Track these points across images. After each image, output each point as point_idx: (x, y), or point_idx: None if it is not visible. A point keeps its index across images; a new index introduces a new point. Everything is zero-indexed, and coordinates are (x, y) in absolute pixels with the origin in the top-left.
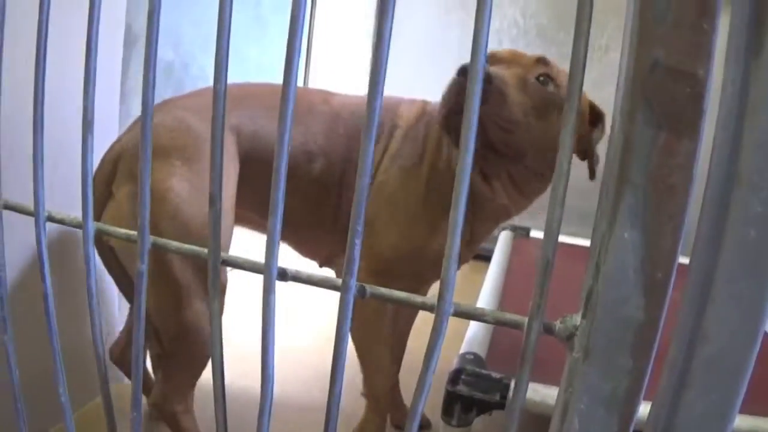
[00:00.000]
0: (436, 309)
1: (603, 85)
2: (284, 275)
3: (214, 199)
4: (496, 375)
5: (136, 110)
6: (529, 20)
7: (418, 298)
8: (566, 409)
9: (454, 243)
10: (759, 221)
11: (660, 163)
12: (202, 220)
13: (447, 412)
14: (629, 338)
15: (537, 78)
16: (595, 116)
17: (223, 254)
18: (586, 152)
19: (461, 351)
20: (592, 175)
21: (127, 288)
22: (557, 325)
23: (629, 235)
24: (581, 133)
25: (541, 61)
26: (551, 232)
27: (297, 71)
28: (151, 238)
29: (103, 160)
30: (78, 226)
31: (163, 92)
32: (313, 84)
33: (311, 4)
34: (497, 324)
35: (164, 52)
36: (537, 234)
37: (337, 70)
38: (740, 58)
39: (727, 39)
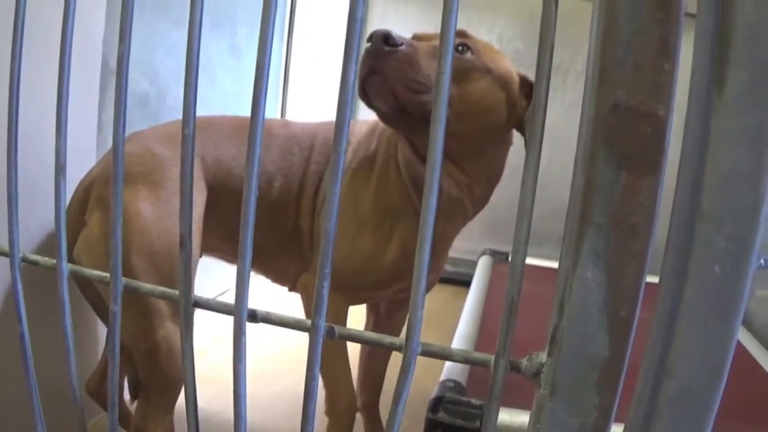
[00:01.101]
0: (404, 349)
1: (578, 108)
2: (254, 317)
3: (185, 241)
4: (476, 402)
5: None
6: (506, 45)
7: (386, 339)
8: None
9: (420, 283)
10: (723, 257)
11: (622, 203)
12: (168, 240)
13: None
14: (594, 375)
15: (455, 48)
16: (529, 88)
17: (194, 296)
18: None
19: (442, 378)
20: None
21: (101, 309)
22: (524, 362)
23: (592, 274)
24: (514, 102)
25: (460, 33)
26: (515, 270)
27: (264, 112)
28: (123, 280)
29: (75, 192)
30: (52, 267)
31: (140, 123)
32: (289, 115)
33: (287, 36)
34: (465, 363)
35: (139, 83)
36: None
37: (315, 101)
38: (702, 95)
39: (689, 76)
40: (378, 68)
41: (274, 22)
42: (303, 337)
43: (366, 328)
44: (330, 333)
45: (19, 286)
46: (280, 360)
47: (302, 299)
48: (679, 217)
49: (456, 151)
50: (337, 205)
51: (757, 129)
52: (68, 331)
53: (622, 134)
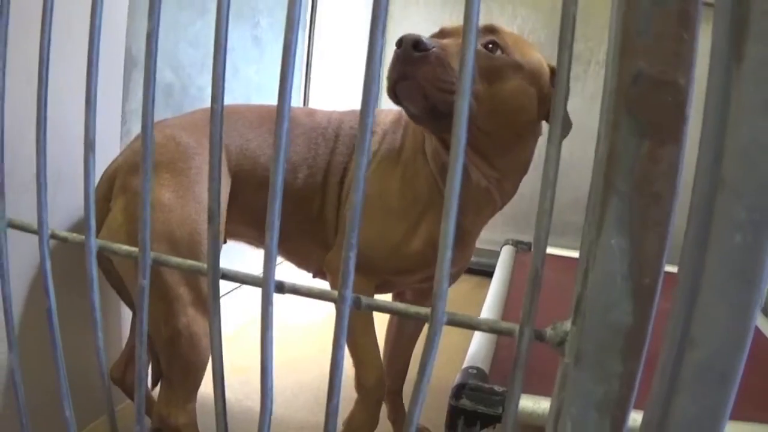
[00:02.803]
0: (430, 319)
1: (599, 99)
2: (282, 288)
3: (213, 215)
4: (498, 389)
5: (136, 130)
6: (527, 36)
7: (412, 309)
8: (559, 413)
9: (446, 256)
10: (744, 227)
11: (644, 171)
12: (189, 228)
13: (450, 426)
14: (619, 343)
15: (485, 46)
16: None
17: (222, 268)
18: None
19: (464, 365)
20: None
21: (125, 295)
22: (548, 331)
23: (616, 241)
24: (544, 94)
25: (489, 29)
26: (539, 242)
27: (291, 94)
28: (152, 254)
29: (101, 179)
30: (81, 243)
31: (163, 113)
32: (312, 104)
33: (309, 25)
34: (491, 332)
35: (163, 73)
36: None
37: (337, 91)
38: (722, 66)
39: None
40: (409, 73)
41: (301, 4)
42: (325, 327)
43: (390, 320)
44: (357, 303)
45: (48, 263)
46: (303, 351)
47: (328, 278)
48: (701, 188)
49: (485, 146)
50: (364, 178)
51: None
52: (96, 307)
53: (644, 103)
